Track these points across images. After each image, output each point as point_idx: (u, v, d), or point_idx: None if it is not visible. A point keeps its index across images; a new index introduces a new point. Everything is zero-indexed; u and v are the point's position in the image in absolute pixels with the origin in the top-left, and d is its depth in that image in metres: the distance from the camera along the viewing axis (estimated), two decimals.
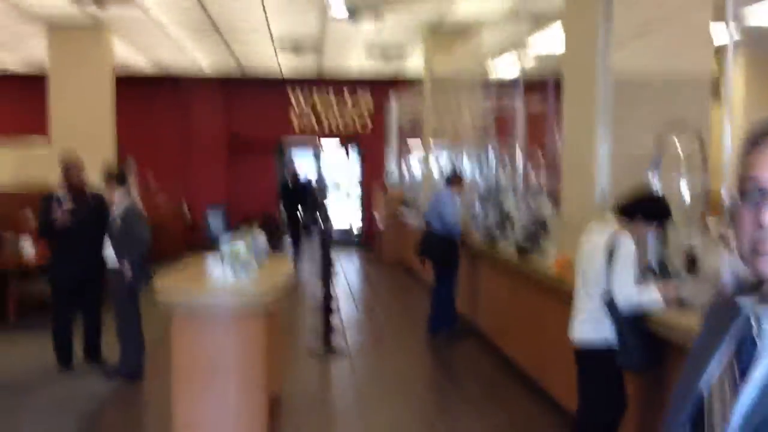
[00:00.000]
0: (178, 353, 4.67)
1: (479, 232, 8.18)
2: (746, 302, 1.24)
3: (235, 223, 5.87)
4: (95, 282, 6.56)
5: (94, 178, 7.01)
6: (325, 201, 17.56)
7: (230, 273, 4.87)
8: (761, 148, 1.19)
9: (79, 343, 6.65)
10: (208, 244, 5.28)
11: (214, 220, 5.51)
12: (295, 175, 15.69)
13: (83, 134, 11.30)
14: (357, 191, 18.11)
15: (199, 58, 14.25)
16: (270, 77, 16.34)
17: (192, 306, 4.62)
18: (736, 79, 4.06)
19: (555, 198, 6.30)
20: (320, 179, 18.40)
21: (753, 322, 1.21)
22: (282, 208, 15.40)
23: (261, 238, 5.56)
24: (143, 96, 16.07)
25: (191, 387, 4.62)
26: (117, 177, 6.35)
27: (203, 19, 10.90)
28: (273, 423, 5.09)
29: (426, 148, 12.33)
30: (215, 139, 16.56)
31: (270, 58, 14.35)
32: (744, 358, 1.19)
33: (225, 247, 4.92)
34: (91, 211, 6.49)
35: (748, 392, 1.15)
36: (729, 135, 3.77)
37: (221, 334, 4.65)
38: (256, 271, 5.03)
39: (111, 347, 6.52)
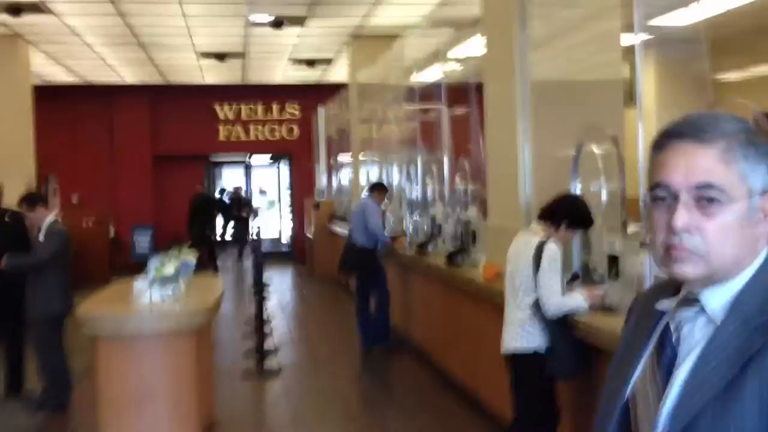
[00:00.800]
0: (104, 381, 4.51)
1: (408, 242, 8.16)
2: (665, 306, 1.25)
3: (163, 242, 5.75)
4: (18, 307, 6.22)
5: (13, 197, 6.70)
6: (252, 217, 17.34)
7: (157, 295, 4.73)
8: (667, 151, 1.19)
9: (0, 374, 6.33)
10: (135, 265, 5.14)
11: (141, 240, 5.38)
12: (203, 193, 15.44)
13: (0, 150, 10.86)
14: (287, 204, 17.91)
15: (120, 69, 13.90)
16: (195, 90, 16.02)
17: (118, 330, 4.47)
18: (647, 80, 4.16)
19: (483, 205, 6.34)
20: (245, 194, 18.14)
21: (672, 326, 1.22)
22: (192, 225, 14.82)
23: (190, 257, 5.42)
24: (64, 108, 15.50)
25: (119, 416, 4.46)
26: (38, 199, 6.13)
27: (123, 29, 10.63)
28: None
29: (354, 157, 12.29)
30: (140, 152, 16.10)
31: (194, 70, 14.11)
32: (665, 362, 1.20)
33: (152, 268, 4.78)
34: (8, 231, 6.20)
35: (671, 396, 1.16)
36: (642, 136, 3.86)
37: (149, 359, 4.51)
38: (184, 291, 4.90)
39: (35, 377, 6.22)
